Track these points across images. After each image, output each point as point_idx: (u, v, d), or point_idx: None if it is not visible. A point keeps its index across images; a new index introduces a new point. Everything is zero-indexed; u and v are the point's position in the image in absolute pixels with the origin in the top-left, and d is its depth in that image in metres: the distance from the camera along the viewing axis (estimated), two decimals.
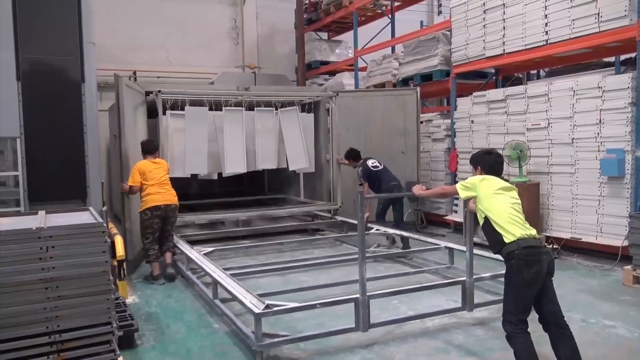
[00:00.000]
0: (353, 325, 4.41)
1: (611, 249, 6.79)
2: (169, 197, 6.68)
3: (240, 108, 9.12)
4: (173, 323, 5.10)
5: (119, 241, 5.56)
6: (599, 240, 7.00)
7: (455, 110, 9.55)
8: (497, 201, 3.72)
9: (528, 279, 3.49)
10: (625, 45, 7.10)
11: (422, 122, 10.44)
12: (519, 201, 3.83)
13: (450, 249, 6.69)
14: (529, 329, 3.51)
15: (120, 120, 6.97)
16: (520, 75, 10.70)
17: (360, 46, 12.65)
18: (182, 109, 8.66)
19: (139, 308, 5.57)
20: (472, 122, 9.09)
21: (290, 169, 9.63)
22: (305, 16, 14.20)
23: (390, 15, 13.27)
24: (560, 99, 7.52)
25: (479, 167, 4.04)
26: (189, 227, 8.84)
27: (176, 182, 7.27)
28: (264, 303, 4.27)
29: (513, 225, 3.61)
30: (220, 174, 9.26)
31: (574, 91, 7.33)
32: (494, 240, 3.68)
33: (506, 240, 3.59)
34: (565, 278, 6.29)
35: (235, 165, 9.03)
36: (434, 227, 10.04)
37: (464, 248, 6.07)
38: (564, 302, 5.23)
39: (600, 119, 7.00)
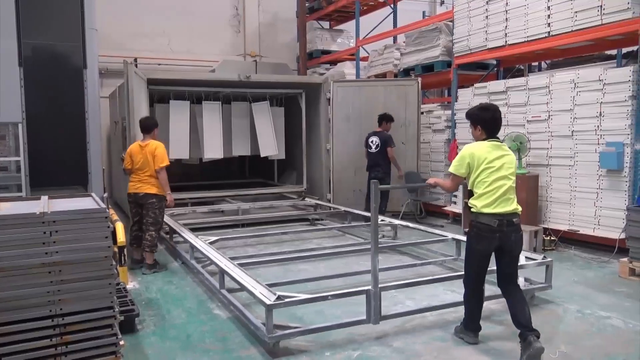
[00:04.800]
0: (364, 317, 4.37)
1: (608, 242, 6.84)
2: (139, 185, 6.45)
3: (217, 102, 10.18)
4: (173, 309, 5.15)
5: (119, 227, 5.59)
6: (597, 232, 7.05)
7: (456, 101, 9.56)
8: (481, 177, 3.97)
9: (475, 250, 4.07)
10: (627, 39, 7.09)
11: (422, 113, 10.44)
12: (510, 166, 4.01)
13: (458, 241, 6.58)
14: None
15: (129, 107, 7.06)
16: (522, 67, 10.69)
17: (362, 36, 12.63)
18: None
19: (140, 294, 5.62)
20: None
21: (262, 155, 10.53)
22: (307, 5, 14.14)
23: (392, 5, 13.23)
24: (561, 92, 7.53)
25: (478, 126, 4.11)
26: (187, 215, 8.97)
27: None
28: (274, 294, 4.20)
29: (481, 199, 3.95)
30: (201, 159, 10.47)
31: (575, 84, 7.34)
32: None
33: (472, 209, 4.03)
34: (563, 270, 6.34)
35: (213, 152, 10.04)
36: (433, 217, 10.08)
37: None
38: (561, 292, 5.35)
39: (600, 112, 7.02)
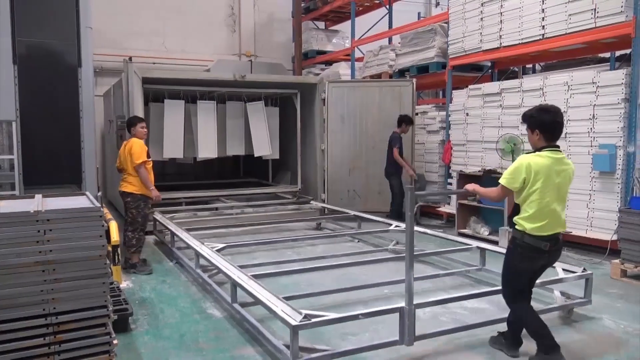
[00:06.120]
0: (397, 338, 3.94)
1: (600, 243, 6.88)
2: (120, 183, 6.52)
3: (212, 101, 10.13)
4: (167, 308, 5.15)
5: (113, 226, 5.58)
6: (589, 234, 7.09)
7: (451, 102, 9.60)
8: (535, 196, 3.63)
9: (519, 269, 3.82)
10: (620, 42, 7.15)
11: (417, 114, 10.48)
12: (567, 181, 3.71)
13: (482, 250, 6.12)
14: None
15: (129, 106, 7.02)
16: (516, 69, 10.74)
17: (357, 36, 12.65)
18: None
19: (133, 293, 5.61)
20: (467, 114, 9.13)
21: (256, 155, 10.47)
22: (302, 5, 14.17)
23: (387, 6, 13.26)
24: (555, 94, 7.57)
25: (536, 130, 3.70)
26: (182, 215, 8.93)
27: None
28: (300, 313, 3.72)
29: (532, 221, 3.64)
30: (195, 159, 10.43)
31: (569, 86, 7.39)
32: (513, 216, 3.82)
33: (517, 226, 3.72)
34: (555, 271, 6.35)
35: (207, 151, 10.00)
36: (426, 218, 10.11)
37: (497, 249, 5.88)
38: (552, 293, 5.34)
39: (593, 114, 7.06)
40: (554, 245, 3.71)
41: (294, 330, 3.57)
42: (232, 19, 14.67)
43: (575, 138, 7.30)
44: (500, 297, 4.68)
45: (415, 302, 3.95)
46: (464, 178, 8.60)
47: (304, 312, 3.74)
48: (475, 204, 8.34)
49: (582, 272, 4.89)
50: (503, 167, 8.13)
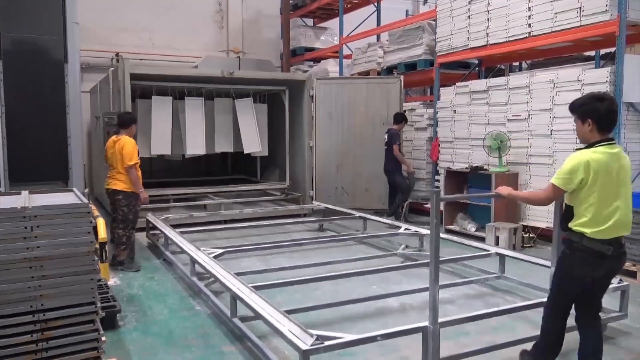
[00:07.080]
0: None
1: None
2: (109, 181, 6.41)
3: (200, 98, 10.05)
4: (155, 305, 5.14)
5: (101, 223, 5.53)
6: None
7: (438, 99, 9.65)
8: (593, 198, 3.20)
9: (574, 274, 3.34)
10: (605, 40, 7.25)
11: (405, 111, 10.51)
12: (626, 178, 3.29)
13: (502, 256, 5.78)
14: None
15: (122, 102, 7.02)
16: (503, 67, 10.83)
17: (345, 33, 12.66)
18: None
19: (121, 290, 5.59)
20: (455, 112, 9.20)
21: (245, 152, 10.46)
22: (290, 1, 14.13)
23: (376, 3, 13.29)
24: (541, 91, 7.66)
25: (589, 120, 3.27)
26: (170, 210, 8.90)
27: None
28: (311, 335, 3.27)
29: (592, 225, 3.21)
30: (183, 156, 10.41)
31: (554, 84, 7.47)
32: (565, 218, 3.38)
33: (573, 228, 3.29)
34: (541, 268, 6.39)
35: (195, 148, 9.96)
36: (414, 215, 10.16)
37: (517, 255, 5.70)
38: (540, 290, 5.40)
39: None
40: (617, 250, 3.26)
41: (305, 355, 3.14)
42: (219, 15, 14.60)
43: (561, 135, 7.38)
44: (526, 313, 4.52)
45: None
46: (452, 175, 8.68)
47: (315, 333, 3.31)
48: (463, 200, 8.41)
49: (618, 283, 4.38)
50: (490, 164, 8.21)
